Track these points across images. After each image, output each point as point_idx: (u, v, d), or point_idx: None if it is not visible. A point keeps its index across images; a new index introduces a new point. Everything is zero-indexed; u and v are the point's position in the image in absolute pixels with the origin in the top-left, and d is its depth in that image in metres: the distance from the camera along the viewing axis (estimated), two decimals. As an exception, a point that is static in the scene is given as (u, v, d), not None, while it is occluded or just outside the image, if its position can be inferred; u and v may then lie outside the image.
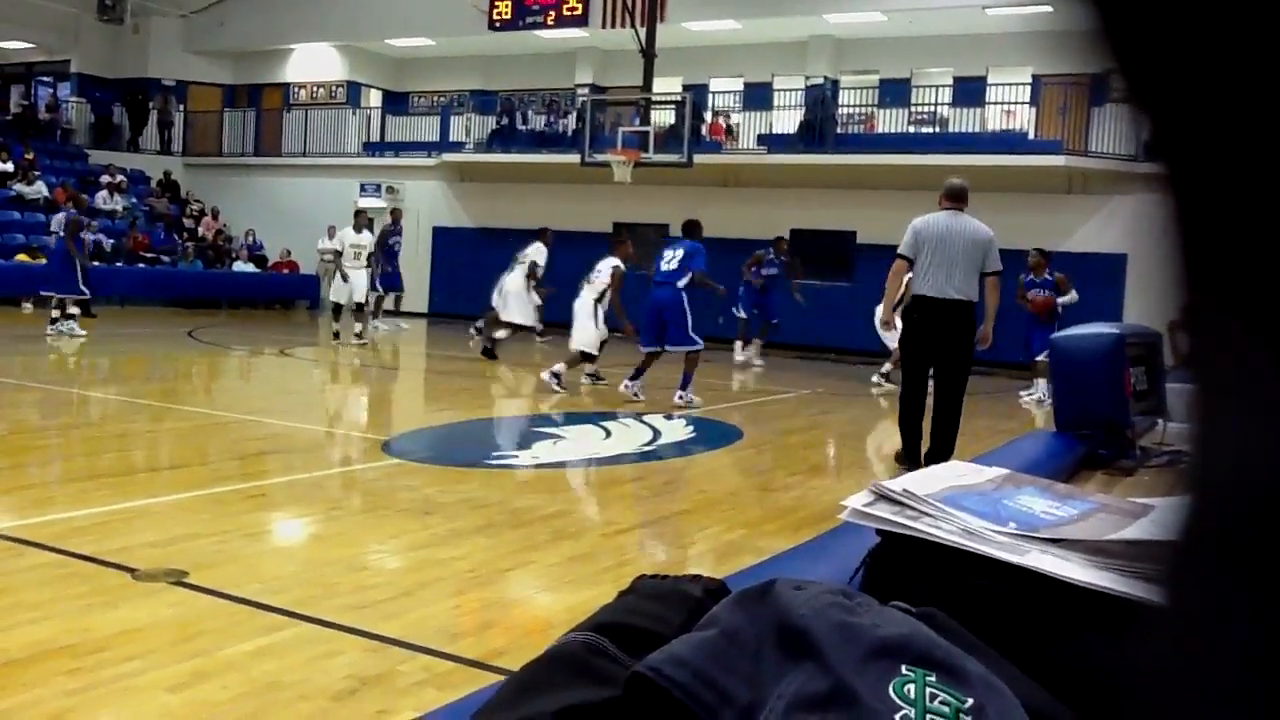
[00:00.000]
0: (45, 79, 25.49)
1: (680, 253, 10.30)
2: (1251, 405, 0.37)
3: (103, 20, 24.18)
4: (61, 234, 14.02)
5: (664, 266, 10.28)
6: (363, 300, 15.66)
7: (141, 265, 20.70)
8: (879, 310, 6.92)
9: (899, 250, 6.97)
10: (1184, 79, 0.37)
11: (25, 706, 2.86)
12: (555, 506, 5.78)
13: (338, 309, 15.46)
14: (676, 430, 8.74)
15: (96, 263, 20.00)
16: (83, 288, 13.40)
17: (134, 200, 22.64)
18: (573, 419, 9.19)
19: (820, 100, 19.72)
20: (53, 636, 3.39)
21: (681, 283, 10.15)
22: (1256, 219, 0.36)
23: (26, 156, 21.37)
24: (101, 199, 21.87)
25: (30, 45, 25.16)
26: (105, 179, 22.46)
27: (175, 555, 4.34)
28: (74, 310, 13.37)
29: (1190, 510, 0.40)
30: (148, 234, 21.61)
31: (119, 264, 20.18)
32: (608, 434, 8.46)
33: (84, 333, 13.23)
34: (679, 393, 10.16)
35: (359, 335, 15.29)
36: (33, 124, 23.91)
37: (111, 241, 20.51)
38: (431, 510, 5.51)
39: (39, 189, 20.97)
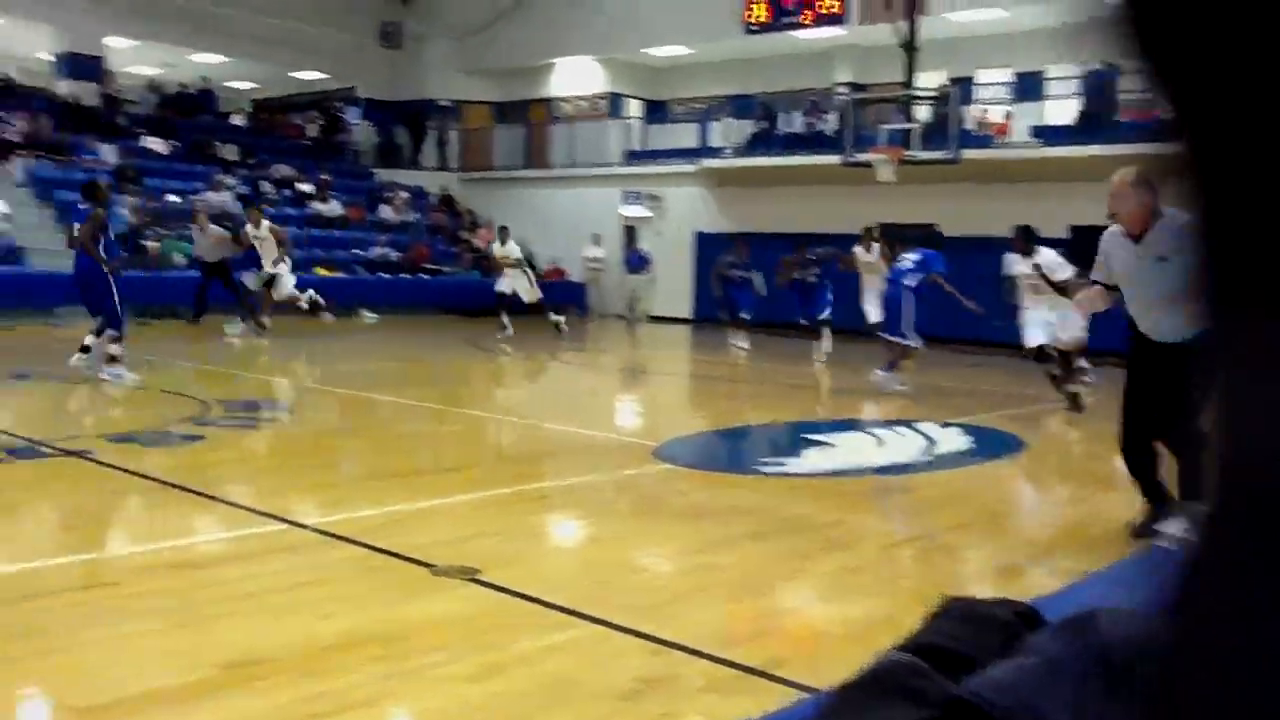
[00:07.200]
0: (337, 105, 27.51)
1: (917, 256, 11.35)
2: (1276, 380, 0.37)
3: (384, 47, 26.05)
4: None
5: (901, 265, 11.36)
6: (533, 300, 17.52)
7: (423, 275, 22.00)
8: None
9: None
10: (1207, 58, 0.37)
11: (345, 690, 3.10)
12: (827, 516, 5.71)
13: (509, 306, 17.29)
14: (952, 439, 8.42)
15: (384, 274, 21.48)
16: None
17: (416, 215, 24.13)
18: (843, 426, 9.08)
19: (1100, 88, 18.61)
20: (363, 625, 3.66)
21: (910, 281, 11.12)
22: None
23: (322, 178, 23.18)
24: (387, 214, 23.47)
25: (323, 75, 27.25)
26: (389, 196, 24.10)
27: (467, 552, 4.59)
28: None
29: (1220, 489, 0.40)
30: (428, 246, 22.95)
31: (403, 275, 21.58)
32: (880, 442, 8.27)
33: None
34: (884, 373, 11.25)
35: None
36: (327, 147, 25.89)
37: (398, 254, 21.95)
38: (703, 515, 5.59)
39: (334, 207, 22.73)
